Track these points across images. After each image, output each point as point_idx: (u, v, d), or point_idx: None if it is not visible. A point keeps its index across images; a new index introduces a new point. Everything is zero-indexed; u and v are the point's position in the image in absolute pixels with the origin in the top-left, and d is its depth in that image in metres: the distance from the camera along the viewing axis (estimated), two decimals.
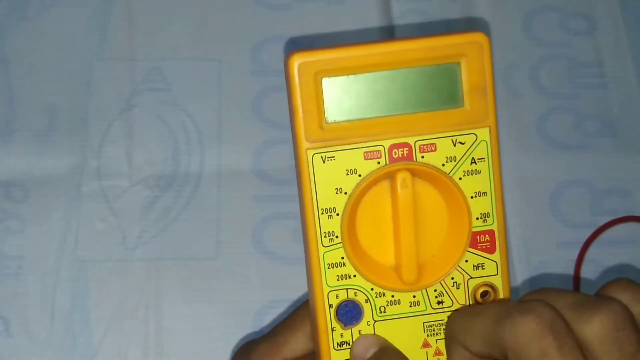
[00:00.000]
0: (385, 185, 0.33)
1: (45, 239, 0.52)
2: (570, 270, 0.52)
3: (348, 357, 0.33)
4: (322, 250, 0.32)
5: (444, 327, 0.33)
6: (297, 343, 0.37)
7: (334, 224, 0.32)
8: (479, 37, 0.32)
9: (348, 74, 0.32)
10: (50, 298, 0.51)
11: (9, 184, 0.53)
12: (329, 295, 0.33)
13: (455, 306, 0.33)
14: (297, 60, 0.31)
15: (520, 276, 0.52)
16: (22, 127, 0.54)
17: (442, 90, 0.32)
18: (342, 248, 0.32)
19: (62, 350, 0.50)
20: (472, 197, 0.33)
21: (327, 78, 0.32)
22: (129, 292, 0.51)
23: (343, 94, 0.32)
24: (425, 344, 0.33)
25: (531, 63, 0.57)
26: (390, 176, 0.32)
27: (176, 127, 0.55)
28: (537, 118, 0.56)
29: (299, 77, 0.31)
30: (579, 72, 0.57)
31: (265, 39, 0.57)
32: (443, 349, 0.33)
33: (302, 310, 0.37)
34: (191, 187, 0.53)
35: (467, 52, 0.32)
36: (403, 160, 0.32)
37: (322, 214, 0.32)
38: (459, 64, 0.32)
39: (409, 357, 0.33)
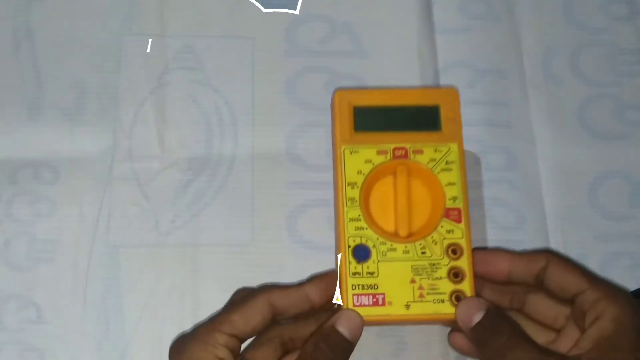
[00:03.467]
0: (389, 179, 0.48)
1: (76, 223, 0.51)
2: (606, 264, 0.52)
3: (360, 283, 0.45)
4: (346, 208, 0.47)
5: (426, 270, 0.46)
6: (235, 323, 0.43)
7: (354, 193, 0.47)
8: (452, 91, 0.49)
9: (370, 105, 0.49)
10: (82, 284, 0.50)
11: (38, 164, 0.52)
12: (348, 240, 0.46)
13: (434, 257, 0.46)
14: (338, 95, 0.49)
15: None
16: (50, 105, 0.53)
17: (428, 120, 0.49)
18: (359, 208, 0.47)
19: (95, 337, 0.49)
20: (446, 185, 0.47)
21: (356, 106, 0.49)
22: (162, 278, 0.50)
23: (365, 116, 0.49)
24: (413, 281, 0.46)
25: (571, 49, 0.56)
26: (393, 170, 0.48)
27: (209, 108, 0.54)
28: (577, 106, 0.55)
29: (339, 104, 0.49)
30: (620, 59, 0.56)
31: (300, 17, 0.56)
32: (425, 285, 0.46)
33: (236, 301, 0.45)
34: (225, 171, 0.52)
35: (445, 99, 0.49)
36: (402, 158, 0.48)
37: (348, 185, 0.47)
38: (439, 105, 0.49)
39: (401, 289, 0.46)
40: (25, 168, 0.52)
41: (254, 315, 0.43)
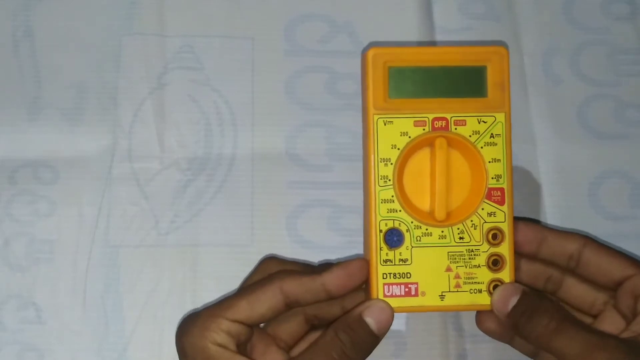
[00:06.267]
0: (426, 151, 0.44)
1: (76, 223, 0.51)
2: None
3: (391, 271, 0.43)
4: (378, 189, 0.43)
5: (463, 257, 0.43)
6: (240, 309, 0.42)
7: (388, 170, 0.43)
8: (501, 49, 0.44)
9: (407, 65, 0.44)
10: (82, 284, 0.50)
11: (38, 164, 0.52)
12: (380, 223, 0.43)
13: (473, 242, 0.43)
14: (372, 52, 0.44)
15: None
16: (49, 105, 0.53)
17: (472, 84, 0.44)
18: (392, 189, 0.43)
19: (95, 337, 0.49)
20: (489, 162, 0.44)
21: (392, 67, 0.44)
22: (162, 278, 0.50)
23: (402, 79, 0.44)
24: (448, 269, 0.43)
25: (571, 49, 0.56)
26: (431, 143, 0.44)
27: (208, 108, 0.53)
28: (577, 106, 0.55)
29: (373, 64, 0.44)
30: (620, 59, 0.56)
31: (299, 17, 0.55)
32: (461, 273, 0.43)
33: (249, 284, 0.44)
34: (224, 171, 0.52)
35: (492, 59, 0.44)
36: (441, 130, 0.44)
37: (381, 161, 0.43)
38: (486, 66, 0.44)
39: (435, 278, 0.43)
40: (24, 168, 0.52)
41: (262, 303, 0.42)
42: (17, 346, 0.49)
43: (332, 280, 0.43)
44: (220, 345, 0.41)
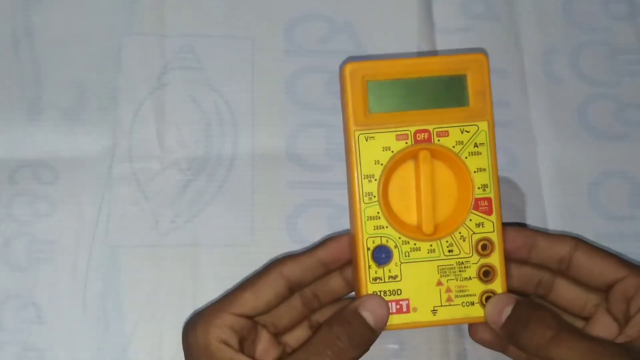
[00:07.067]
0: (410, 164, 0.43)
1: (76, 223, 0.51)
2: None
3: (381, 289, 0.43)
4: (363, 206, 0.43)
5: (453, 270, 0.43)
6: (245, 301, 0.43)
7: (372, 187, 0.43)
8: (480, 57, 0.44)
9: (386, 79, 0.43)
10: (82, 284, 0.50)
11: (37, 164, 0.52)
12: (367, 241, 0.43)
13: (462, 254, 0.43)
14: (349, 68, 0.43)
15: None
16: (49, 105, 0.53)
17: (453, 93, 0.43)
18: (378, 205, 0.43)
19: (95, 337, 0.49)
20: (475, 172, 0.43)
21: (370, 81, 0.43)
22: (162, 279, 0.50)
23: (381, 93, 0.43)
24: (439, 283, 0.43)
25: (571, 49, 0.56)
26: (415, 156, 0.43)
27: (208, 108, 0.53)
28: (578, 106, 0.55)
29: (351, 79, 0.43)
30: (620, 59, 0.56)
31: (299, 17, 0.55)
32: (453, 287, 0.43)
33: (249, 278, 0.44)
34: (224, 171, 0.52)
35: (472, 67, 0.44)
36: (424, 142, 0.43)
37: (364, 178, 0.43)
38: (466, 75, 0.44)
39: (426, 293, 0.42)
40: (24, 168, 0.52)
41: (266, 290, 0.43)
42: (17, 346, 0.49)
43: (327, 254, 0.44)
44: (222, 341, 0.42)
